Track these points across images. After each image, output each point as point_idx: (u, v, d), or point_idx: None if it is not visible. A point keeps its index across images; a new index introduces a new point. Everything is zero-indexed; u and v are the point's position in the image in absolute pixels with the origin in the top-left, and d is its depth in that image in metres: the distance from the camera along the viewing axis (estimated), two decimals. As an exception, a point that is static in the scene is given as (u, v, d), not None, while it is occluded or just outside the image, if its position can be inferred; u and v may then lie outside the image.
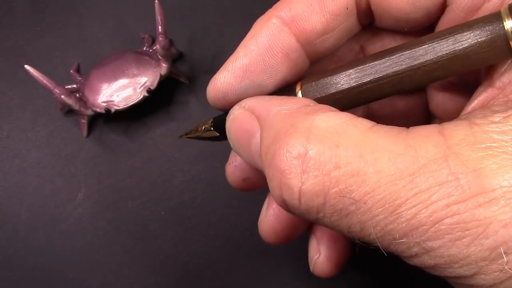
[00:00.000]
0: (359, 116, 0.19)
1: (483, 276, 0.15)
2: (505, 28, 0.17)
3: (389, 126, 0.18)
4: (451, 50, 0.18)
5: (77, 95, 0.43)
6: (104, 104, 0.42)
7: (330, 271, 0.27)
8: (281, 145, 0.18)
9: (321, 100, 0.21)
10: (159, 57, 0.43)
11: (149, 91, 0.42)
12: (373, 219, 0.16)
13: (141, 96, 0.42)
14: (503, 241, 0.15)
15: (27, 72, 0.40)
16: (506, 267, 0.15)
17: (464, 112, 0.20)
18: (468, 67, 0.19)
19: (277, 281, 0.40)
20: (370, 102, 0.21)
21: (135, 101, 0.42)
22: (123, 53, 0.44)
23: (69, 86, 0.44)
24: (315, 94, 0.21)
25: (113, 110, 0.42)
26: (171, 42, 0.44)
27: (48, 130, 0.45)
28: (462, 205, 0.15)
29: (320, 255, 0.27)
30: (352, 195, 0.16)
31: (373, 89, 0.20)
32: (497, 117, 0.16)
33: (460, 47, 0.18)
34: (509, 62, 0.19)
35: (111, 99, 0.42)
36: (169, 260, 0.41)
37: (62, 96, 0.41)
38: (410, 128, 0.17)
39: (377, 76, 0.20)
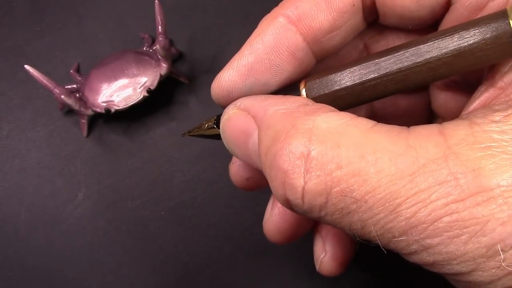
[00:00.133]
0: (361, 115, 0.19)
1: (480, 273, 0.16)
2: (511, 26, 0.17)
3: (389, 126, 0.18)
4: (456, 47, 0.18)
5: (77, 95, 0.43)
6: (104, 104, 0.42)
7: (336, 269, 0.27)
8: (283, 146, 0.18)
9: (325, 98, 0.21)
10: (159, 57, 0.43)
11: (149, 91, 0.42)
12: (374, 218, 0.17)
13: (141, 96, 0.42)
14: (500, 238, 0.15)
15: (27, 72, 0.40)
16: (503, 264, 0.15)
17: (465, 112, 0.20)
18: (472, 65, 0.19)
19: (278, 281, 0.40)
20: (374, 100, 0.21)
21: (135, 101, 0.42)
22: (123, 53, 0.44)
23: (69, 86, 0.44)
24: (319, 91, 0.21)
25: (113, 110, 0.42)
26: (171, 42, 0.44)
27: (48, 130, 0.45)
28: (460, 204, 0.15)
29: (326, 254, 0.27)
30: (354, 194, 0.17)
31: (377, 86, 0.20)
32: (497, 116, 0.16)
33: (465, 44, 0.18)
34: None
35: (111, 99, 0.42)
36: (169, 260, 0.41)
37: (62, 96, 0.41)
38: (411, 127, 0.18)
39: (381, 73, 0.20)
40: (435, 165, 0.16)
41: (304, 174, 0.17)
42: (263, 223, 0.27)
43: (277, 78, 0.22)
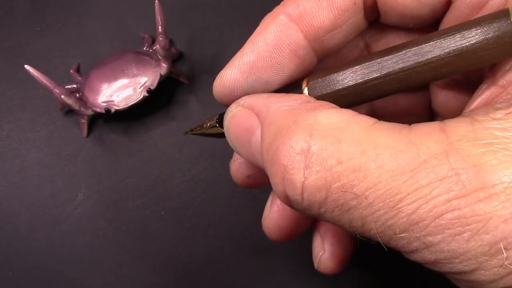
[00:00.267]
0: (361, 113, 0.19)
1: (482, 271, 0.15)
2: None
3: (391, 123, 0.18)
4: (458, 47, 0.18)
5: (77, 95, 0.43)
6: (104, 104, 0.42)
7: (334, 267, 0.27)
8: (283, 141, 0.18)
9: (327, 97, 0.21)
10: (159, 57, 0.43)
11: (149, 91, 0.42)
12: (374, 214, 0.16)
13: (141, 96, 0.42)
14: (503, 236, 0.15)
15: (27, 72, 0.40)
16: (506, 263, 0.15)
17: (466, 110, 0.20)
18: (474, 65, 0.19)
19: (278, 280, 0.40)
20: (376, 99, 0.21)
21: (135, 101, 0.42)
22: (123, 53, 0.44)
23: (69, 86, 0.44)
24: (321, 90, 0.21)
25: (113, 110, 0.42)
26: (171, 42, 0.44)
27: (48, 130, 0.45)
28: (462, 200, 0.15)
29: (325, 252, 0.27)
30: (354, 190, 0.17)
31: (379, 85, 0.20)
32: (498, 114, 0.16)
33: (467, 44, 0.18)
34: None
35: (111, 99, 0.42)
36: (169, 260, 0.41)
37: (62, 96, 0.41)
38: (412, 125, 0.18)
39: (383, 72, 0.20)
40: (436, 160, 0.16)
41: (304, 169, 0.17)
42: (262, 220, 0.27)
43: (279, 76, 0.22)
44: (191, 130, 0.26)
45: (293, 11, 0.22)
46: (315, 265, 0.28)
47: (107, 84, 0.43)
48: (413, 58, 0.19)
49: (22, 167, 0.44)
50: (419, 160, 0.16)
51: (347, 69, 0.21)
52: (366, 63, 0.20)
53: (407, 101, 0.27)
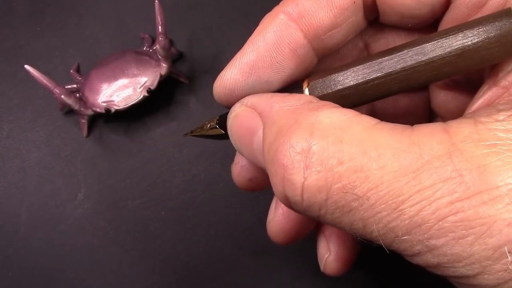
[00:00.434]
0: (362, 114, 0.19)
1: (486, 276, 0.15)
2: None
3: (393, 124, 0.18)
4: (460, 46, 0.18)
5: (77, 95, 0.43)
6: (104, 104, 0.42)
7: (340, 269, 0.27)
8: (284, 140, 0.18)
9: (328, 97, 0.21)
10: (159, 57, 0.43)
11: (149, 91, 0.42)
12: (376, 216, 0.16)
13: (141, 96, 0.42)
14: (507, 240, 0.14)
15: (27, 72, 0.40)
16: (510, 267, 0.15)
17: (468, 111, 0.20)
18: (476, 64, 0.19)
19: (278, 281, 0.40)
20: (377, 100, 0.21)
21: (135, 101, 0.42)
22: (123, 53, 0.44)
23: (69, 86, 0.44)
24: (322, 90, 0.21)
25: (113, 110, 0.42)
26: (171, 42, 0.44)
27: (48, 130, 0.45)
28: (466, 202, 0.15)
29: (331, 254, 0.27)
30: (355, 191, 0.16)
31: (380, 85, 0.20)
32: (501, 116, 0.16)
33: (469, 43, 0.18)
34: None
35: (111, 99, 0.42)
36: (169, 260, 0.41)
37: (62, 96, 0.41)
38: (414, 125, 0.17)
39: (384, 72, 0.20)
40: (439, 161, 0.15)
41: (304, 169, 0.17)
42: (266, 224, 0.27)
43: (279, 75, 0.22)
44: (191, 132, 0.26)
45: (292, 10, 0.22)
46: (321, 267, 0.28)
47: (107, 84, 0.43)
48: (414, 58, 0.19)
49: (22, 167, 0.44)
50: (422, 161, 0.16)
51: (348, 69, 0.21)
52: (367, 63, 0.20)
53: (406, 101, 0.27)
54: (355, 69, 0.20)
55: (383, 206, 0.16)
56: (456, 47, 0.18)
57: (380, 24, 0.24)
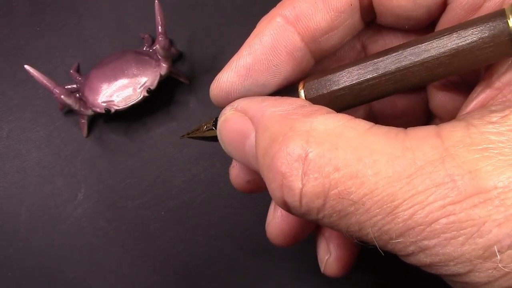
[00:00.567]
0: (360, 115, 0.19)
1: (477, 273, 0.16)
2: (510, 25, 0.17)
3: (387, 128, 0.18)
4: (454, 46, 0.18)
5: (77, 95, 0.43)
6: (104, 104, 0.42)
7: (341, 270, 0.27)
8: (280, 148, 0.18)
9: (323, 98, 0.21)
10: (159, 57, 0.43)
11: (149, 91, 0.42)
12: (371, 220, 0.17)
13: (141, 96, 0.42)
14: (497, 240, 0.15)
15: (27, 72, 0.40)
16: (499, 265, 0.15)
17: (462, 113, 0.20)
18: (470, 65, 0.19)
19: (277, 281, 0.40)
20: (373, 100, 0.21)
21: (135, 101, 0.42)
22: (123, 53, 0.44)
23: (69, 86, 0.44)
24: (317, 91, 0.21)
25: (113, 110, 0.42)
26: (171, 42, 0.44)
27: (48, 130, 0.45)
28: (457, 205, 0.15)
29: (331, 256, 0.27)
30: (351, 196, 0.17)
31: (375, 86, 0.20)
32: (494, 117, 0.17)
33: (464, 43, 0.18)
34: (509, 62, 0.19)
35: (111, 99, 0.42)
36: (169, 260, 0.41)
37: (62, 96, 0.41)
38: (408, 129, 0.18)
39: (379, 72, 0.20)
40: (432, 167, 0.16)
41: (302, 176, 0.17)
42: (265, 226, 0.27)
43: (276, 78, 0.22)
44: (188, 134, 0.26)
45: (289, 13, 0.22)
46: (322, 269, 0.28)
47: (107, 84, 0.43)
48: (408, 58, 0.19)
49: (22, 167, 0.44)
50: (415, 166, 0.16)
51: (343, 70, 0.21)
52: (362, 64, 0.20)
53: (404, 102, 0.27)
54: (350, 69, 0.21)
55: (378, 210, 0.16)
56: (450, 47, 0.18)
57: (378, 25, 0.24)
